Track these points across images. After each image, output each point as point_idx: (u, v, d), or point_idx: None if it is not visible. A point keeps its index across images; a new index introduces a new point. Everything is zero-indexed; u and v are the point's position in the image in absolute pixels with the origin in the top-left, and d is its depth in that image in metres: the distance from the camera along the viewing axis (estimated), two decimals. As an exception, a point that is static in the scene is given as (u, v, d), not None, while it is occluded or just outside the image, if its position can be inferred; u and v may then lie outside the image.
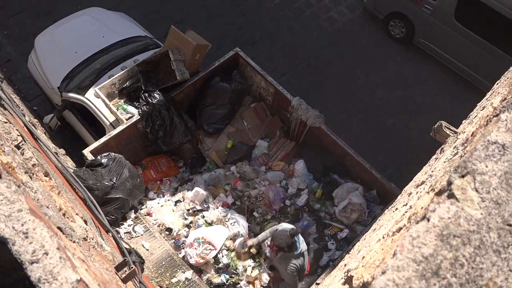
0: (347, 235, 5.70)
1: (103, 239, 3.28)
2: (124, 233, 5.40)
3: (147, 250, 5.36)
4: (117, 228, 5.34)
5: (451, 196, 1.28)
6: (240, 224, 5.61)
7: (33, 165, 2.43)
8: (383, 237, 2.30)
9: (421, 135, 6.65)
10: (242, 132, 6.59)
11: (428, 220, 1.26)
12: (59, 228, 1.81)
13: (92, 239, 2.66)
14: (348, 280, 2.15)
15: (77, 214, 2.76)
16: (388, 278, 1.20)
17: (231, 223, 5.64)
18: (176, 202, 5.89)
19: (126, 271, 2.83)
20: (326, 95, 8.20)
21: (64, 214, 2.30)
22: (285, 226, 4.94)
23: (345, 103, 8.13)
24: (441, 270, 1.18)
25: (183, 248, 5.44)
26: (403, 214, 2.29)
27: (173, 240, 5.53)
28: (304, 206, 5.99)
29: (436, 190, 1.45)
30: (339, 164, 6.15)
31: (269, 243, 4.80)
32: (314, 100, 7.38)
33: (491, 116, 1.74)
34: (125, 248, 3.48)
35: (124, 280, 2.77)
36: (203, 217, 5.72)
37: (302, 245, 4.83)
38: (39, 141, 3.70)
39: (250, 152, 6.52)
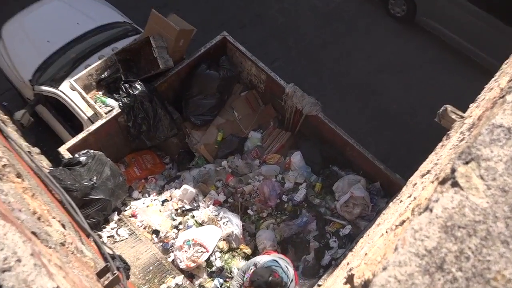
0: (350, 231, 5.72)
1: (83, 244, 3.27)
2: (107, 237, 5.40)
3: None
4: (99, 232, 5.34)
5: (455, 184, 1.30)
6: (233, 223, 5.63)
7: (4, 165, 2.41)
8: (386, 232, 2.32)
9: (426, 121, 6.69)
10: (232, 123, 6.59)
11: (431, 211, 1.27)
12: (33, 233, 1.80)
13: (71, 244, 2.66)
14: (349, 279, 2.17)
15: (53, 218, 2.75)
16: (389, 275, 1.21)
17: (223, 223, 5.65)
18: (163, 201, 5.89)
19: (109, 277, 2.84)
20: (323, 81, 8.21)
21: (39, 218, 2.29)
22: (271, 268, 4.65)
23: (343, 89, 8.14)
24: (446, 264, 1.20)
25: (172, 252, 5.45)
26: (407, 206, 2.31)
27: (161, 243, 5.54)
28: (302, 201, 6.01)
29: (440, 179, 1.46)
30: (339, 155, 6.17)
31: (247, 275, 4.69)
32: (309, 86, 7.40)
33: (497, 98, 1.75)
34: (108, 253, 3.48)
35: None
36: (193, 217, 5.72)
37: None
38: (9, 139, 3.67)
39: (242, 145, 6.52)
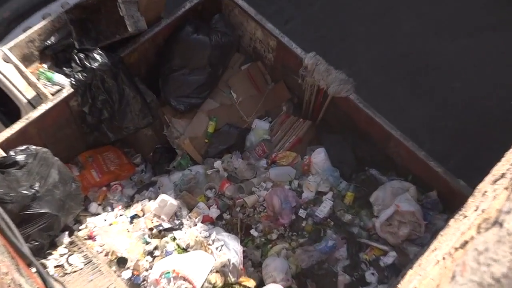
0: (394, 260, 5.73)
1: (22, 276, 3.31)
2: (55, 266, 5.43)
3: None
4: (43, 260, 5.37)
5: (535, 189, 1.31)
6: (230, 248, 5.64)
7: None
8: (443, 258, 2.34)
9: (502, 105, 6.69)
10: (230, 108, 6.62)
11: (501, 225, 1.29)
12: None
13: (6, 274, 2.70)
14: (391, 322, 2.20)
15: (-19, 239, 2.78)
16: (443, 312, 1.24)
17: (217, 248, 5.66)
18: (133, 217, 5.91)
19: (58, 321, 2.87)
20: (356, 49, 8.21)
21: (-39, 238, 2.32)
22: None
23: (384, 61, 8.14)
24: (521, 297, 1.22)
25: None
26: (472, 223, 2.33)
27: (130, 276, 5.57)
28: (327, 218, 6.02)
29: (516, 183, 1.48)
30: (378, 153, 6.18)
31: None
32: (337, 56, 7.41)
33: None
34: (57, 288, 3.51)
35: (56, 335, 2.81)
36: (174, 239, 5.75)
37: None
38: None
39: (243, 139, 6.55)
